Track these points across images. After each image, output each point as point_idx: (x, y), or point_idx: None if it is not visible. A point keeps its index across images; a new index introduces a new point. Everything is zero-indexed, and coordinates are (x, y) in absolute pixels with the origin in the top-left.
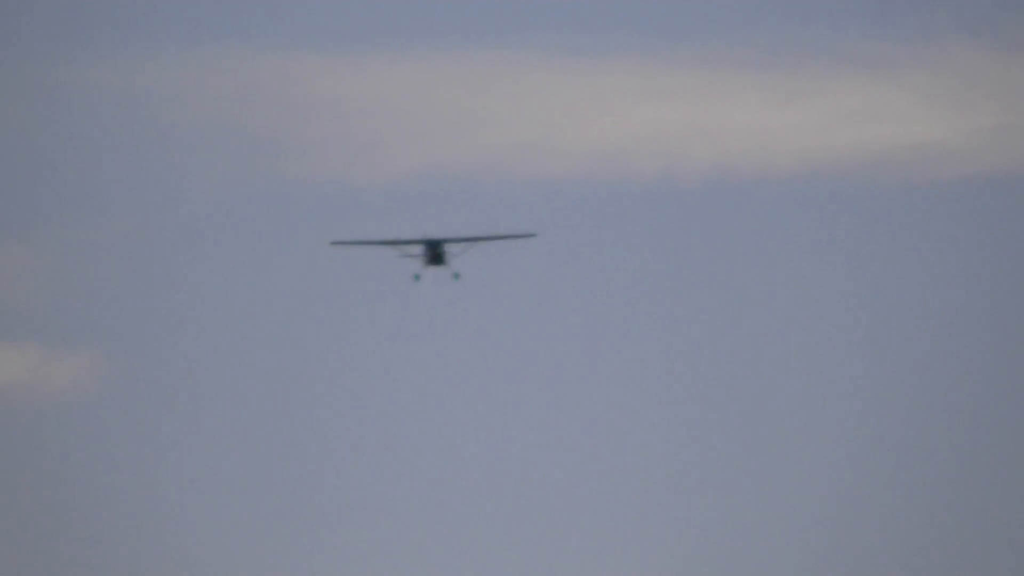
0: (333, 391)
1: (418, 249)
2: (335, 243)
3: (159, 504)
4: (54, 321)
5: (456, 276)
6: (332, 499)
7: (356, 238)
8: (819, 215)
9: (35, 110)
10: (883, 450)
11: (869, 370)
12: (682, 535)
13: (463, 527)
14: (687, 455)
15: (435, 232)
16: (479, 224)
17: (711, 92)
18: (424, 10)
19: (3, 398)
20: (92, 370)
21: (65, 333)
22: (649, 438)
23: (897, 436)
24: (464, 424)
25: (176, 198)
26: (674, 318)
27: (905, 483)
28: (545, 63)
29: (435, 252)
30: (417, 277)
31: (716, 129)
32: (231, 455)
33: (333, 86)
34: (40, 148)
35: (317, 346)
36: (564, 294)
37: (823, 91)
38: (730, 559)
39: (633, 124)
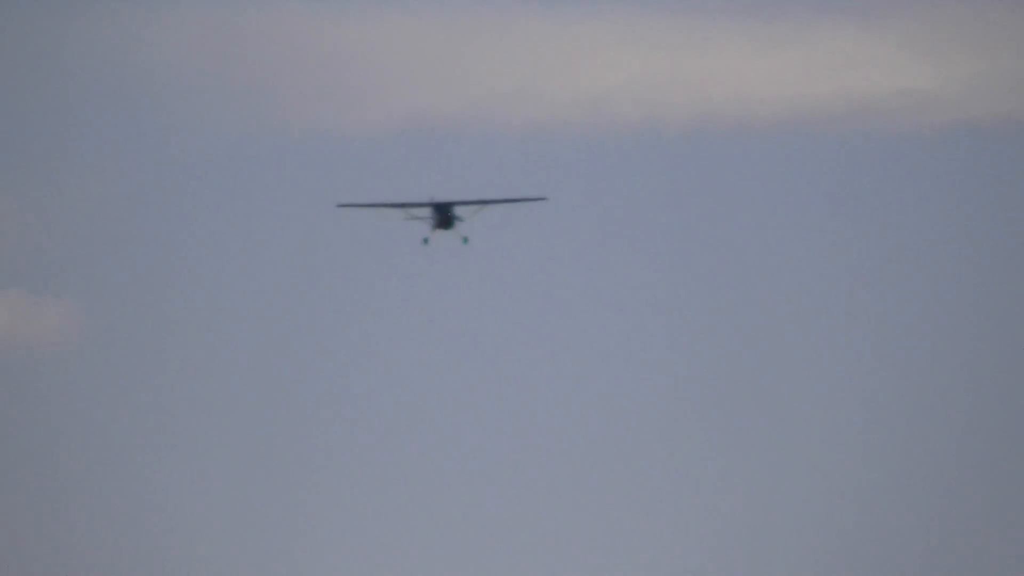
0: (339, 359)
1: (426, 212)
2: (341, 205)
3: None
4: (44, 271)
5: (465, 240)
6: (337, 471)
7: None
8: (802, 162)
9: (18, 60)
10: (861, 418)
11: (852, 321)
12: (687, 504)
13: (473, 504)
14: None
15: (443, 195)
16: (486, 186)
17: (694, 39)
18: None
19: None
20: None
21: (58, 284)
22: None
23: (880, 399)
24: (473, 396)
25: (164, 149)
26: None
27: (893, 468)
28: (527, 11)
29: (444, 215)
30: (426, 241)
31: (699, 77)
32: (232, 428)
33: (316, 37)
34: (20, 101)
35: (322, 311)
36: (575, 259)
37: (806, 38)
38: (731, 548)
39: (617, 71)
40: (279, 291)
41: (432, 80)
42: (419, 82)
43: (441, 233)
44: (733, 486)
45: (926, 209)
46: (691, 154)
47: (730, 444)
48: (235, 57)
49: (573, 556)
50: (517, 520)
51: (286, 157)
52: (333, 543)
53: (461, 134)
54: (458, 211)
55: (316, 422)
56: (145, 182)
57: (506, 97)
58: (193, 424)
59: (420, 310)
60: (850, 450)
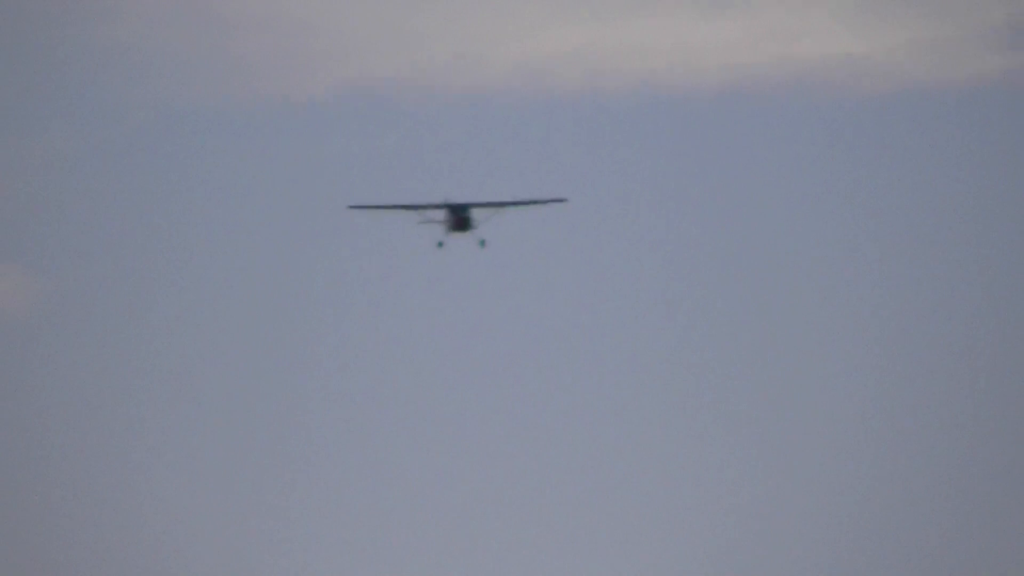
0: (351, 368)
1: (441, 214)
2: (352, 207)
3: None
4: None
5: (482, 243)
6: (347, 476)
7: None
8: (743, 129)
9: None
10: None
11: (782, 279)
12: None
13: (488, 511)
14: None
15: (459, 196)
16: (505, 188)
17: (637, 7)
18: None
19: None
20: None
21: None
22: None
23: (826, 349)
24: (489, 405)
25: (110, 116)
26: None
27: (894, 467)
28: None
29: (460, 217)
30: (441, 244)
31: (642, 44)
32: (236, 432)
33: (262, 2)
34: None
35: (332, 317)
36: (593, 262)
37: (748, 6)
38: (731, 545)
39: (560, 39)
40: (286, 297)
41: (376, 48)
42: (363, 50)
43: (457, 236)
44: (752, 493)
45: (866, 175)
46: (633, 121)
47: (741, 447)
48: (179, 26)
49: (585, 559)
50: (537, 526)
51: (230, 123)
52: (336, 546)
53: (405, 100)
54: (474, 213)
55: (321, 432)
56: (82, 153)
57: (450, 64)
58: (196, 427)
59: (435, 317)
60: (851, 453)
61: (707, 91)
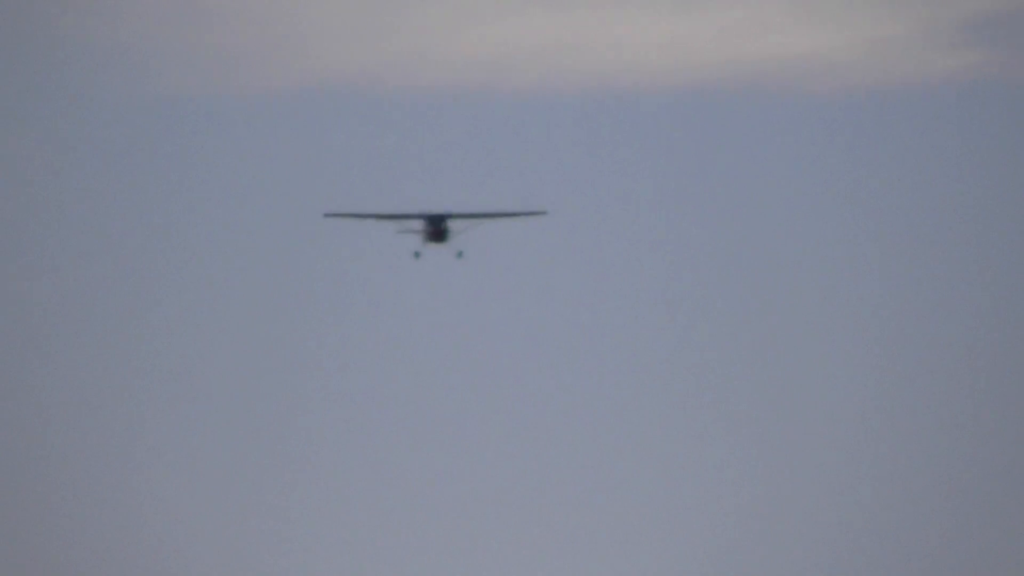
0: (324, 382)
1: (419, 224)
2: (328, 215)
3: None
4: None
5: (460, 254)
6: (316, 491)
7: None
8: (698, 128)
9: None
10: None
11: (756, 283)
12: (693, 514)
13: (461, 520)
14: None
15: (437, 206)
16: (485, 198)
17: (591, 4)
18: None
19: None
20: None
21: None
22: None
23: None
24: (467, 414)
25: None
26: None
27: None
28: None
29: (437, 228)
30: (417, 254)
31: (596, 42)
32: (210, 446)
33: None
34: None
35: (305, 329)
36: (574, 275)
37: (704, 5)
38: (732, 551)
39: (512, 36)
40: (255, 307)
41: (327, 45)
42: (313, 46)
43: (434, 247)
44: (751, 502)
45: (822, 173)
46: (588, 120)
47: (725, 467)
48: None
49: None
50: (519, 548)
51: (180, 121)
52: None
53: (359, 98)
54: (452, 224)
55: (297, 443)
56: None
57: (402, 61)
58: (170, 442)
59: (411, 329)
60: (852, 454)
61: (662, 90)
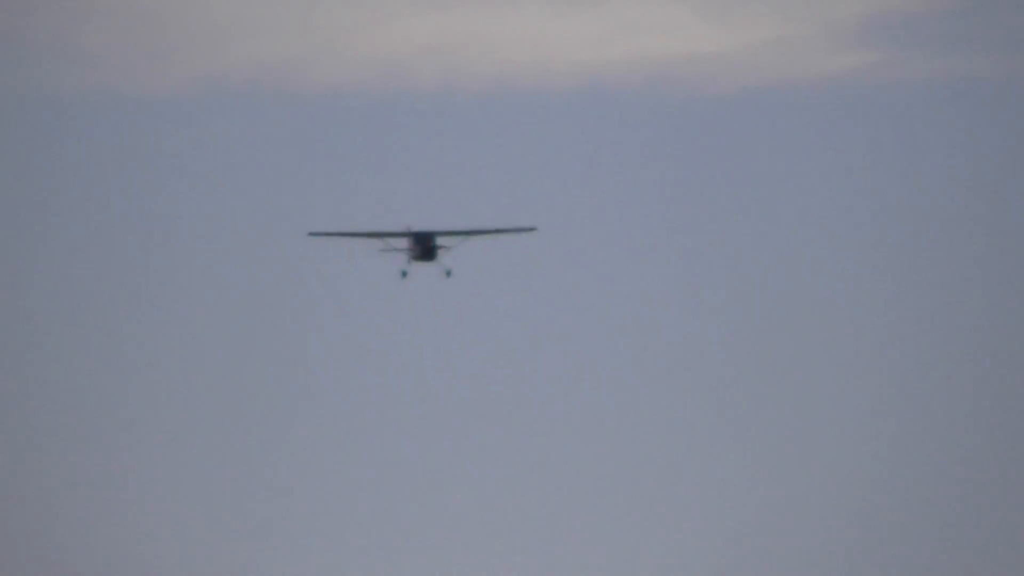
0: (312, 404)
1: (405, 242)
2: (313, 234)
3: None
4: None
5: (448, 273)
6: (303, 513)
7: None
8: (598, 126)
9: None
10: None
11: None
12: (686, 528)
13: (447, 542)
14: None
15: (424, 224)
16: (473, 216)
17: (493, 3)
18: None
19: None
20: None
21: None
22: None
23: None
24: (457, 437)
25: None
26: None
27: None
28: None
29: (424, 246)
30: (405, 273)
31: (496, 40)
32: (192, 471)
33: None
34: None
35: (290, 351)
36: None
37: (604, 3)
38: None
39: (414, 34)
40: (240, 328)
41: (229, 42)
42: (214, 44)
43: (421, 265)
44: (751, 511)
45: (721, 171)
46: (488, 118)
47: (716, 486)
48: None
49: None
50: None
51: (86, 118)
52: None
53: (260, 96)
54: (440, 241)
55: (279, 475)
56: None
57: (304, 59)
58: (153, 469)
59: (399, 350)
60: (852, 456)
61: (562, 88)
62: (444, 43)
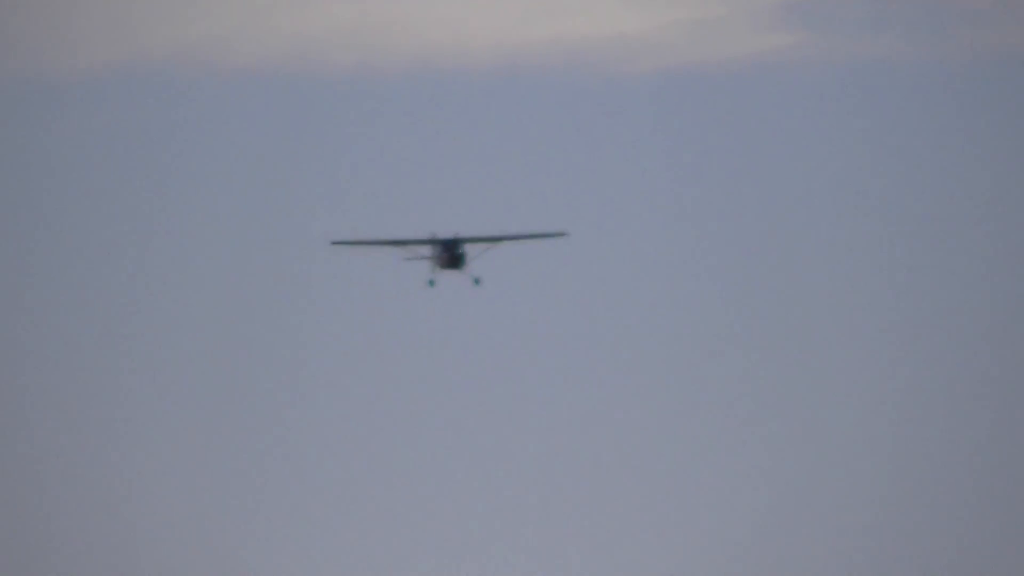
0: (339, 418)
1: (431, 250)
2: (336, 243)
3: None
4: None
5: (477, 281)
6: (324, 523)
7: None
8: (517, 107)
9: None
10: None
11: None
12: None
13: (475, 550)
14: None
15: (450, 230)
16: (501, 222)
17: None
18: None
19: None
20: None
21: None
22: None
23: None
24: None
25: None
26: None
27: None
28: None
29: (451, 254)
30: (432, 283)
31: (414, 21)
32: (208, 481)
33: None
34: None
35: (315, 363)
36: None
37: None
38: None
39: (333, 14)
40: (261, 341)
41: (145, 24)
42: (133, 26)
43: (448, 273)
44: (755, 513)
45: (639, 153)
46: (405, 99)
47: (740, 492)
48: None
49: None
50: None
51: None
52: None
53: (172, 78)
54: (467, 248)
55: (301, 486)
56: None
57: (219, 41)
58: (170, 473)
59: (428, 362)
60: (854, 458)
61: (480, 70)
62: (363, 23)
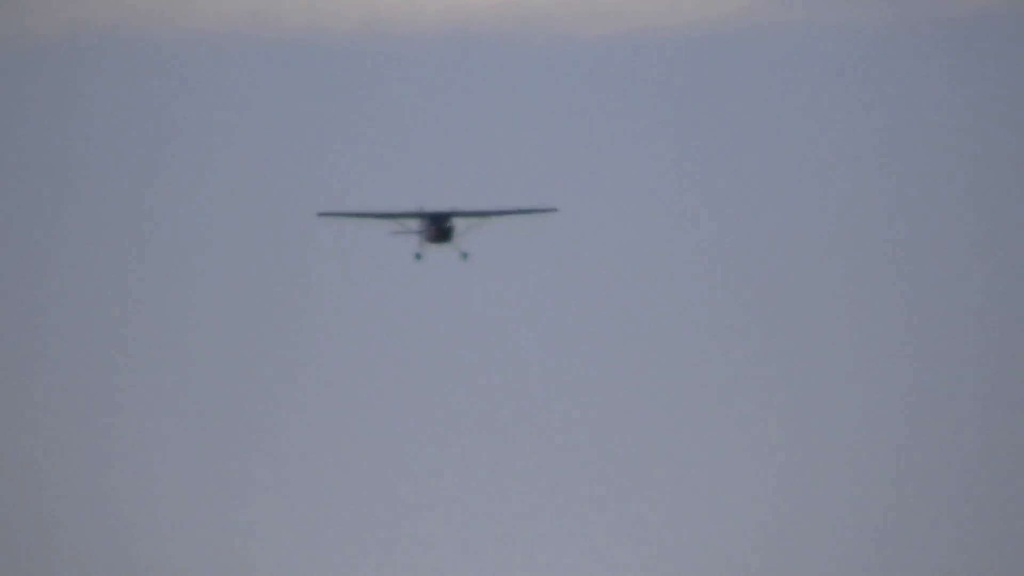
0: (324, 386)
1: (418, 224)
2: (322, 214)
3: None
4: None
5: (465, 255)
6: (312, 498)
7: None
8: (469, 71)
9: None
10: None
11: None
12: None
13: (468, 526)
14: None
15: (439, 204)
16: (490, 196)
17: None
18: None
19: None
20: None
21: None
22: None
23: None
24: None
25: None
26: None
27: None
28: None
29: (439, 228)
30: (419, 256)
31: None
32: (201, 452)
33: None
34: None
35: (300, 337)
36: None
37: None
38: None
39: None
40: (245, 313)
41: None
42: None
43: (436, 247)
44: (754, 508)
45: (586, 119)
46: (357, 61)
47: (735, 472)
48: None
49: None
50: (509, 554)
51: None
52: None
53: (120, 43)
54: (456, 222)
55: (289, 459)
56: None
57: (171, 5)
58: (162, 446)
59: (413, 337)
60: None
61: (431, 33)
62: None
